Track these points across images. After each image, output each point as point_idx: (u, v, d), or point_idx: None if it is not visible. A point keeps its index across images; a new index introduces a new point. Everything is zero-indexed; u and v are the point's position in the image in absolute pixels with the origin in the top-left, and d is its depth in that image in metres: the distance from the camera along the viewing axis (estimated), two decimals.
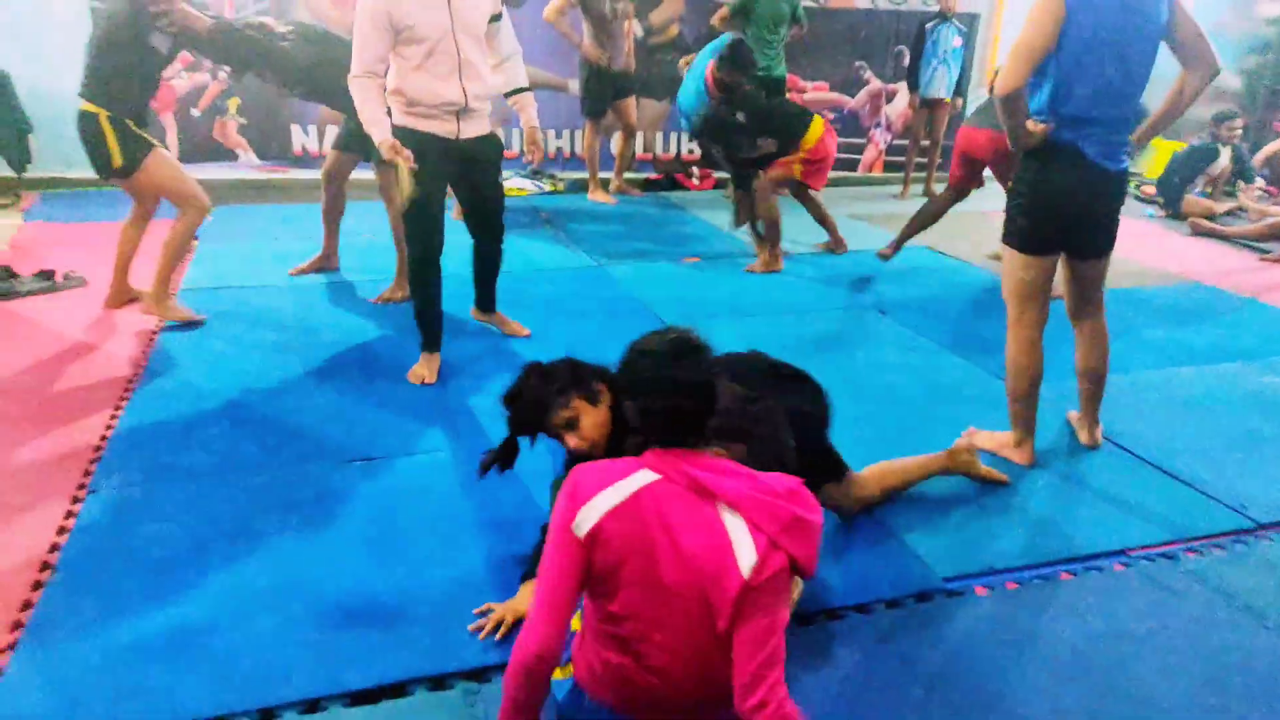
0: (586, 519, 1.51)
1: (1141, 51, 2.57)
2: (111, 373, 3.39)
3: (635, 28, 6.46)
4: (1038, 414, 2.97)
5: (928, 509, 2.67)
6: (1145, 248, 5.90)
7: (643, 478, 1.54)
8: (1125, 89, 2.58)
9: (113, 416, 3.04)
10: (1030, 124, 2.63)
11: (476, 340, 3.82)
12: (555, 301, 4.42)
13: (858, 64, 7.69)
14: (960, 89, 6.93)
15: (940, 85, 6.78)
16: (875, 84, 7.74)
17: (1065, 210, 2.70)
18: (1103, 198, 2.72)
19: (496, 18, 3.29)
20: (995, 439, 3.04)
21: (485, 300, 3.89)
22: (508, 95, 3.51)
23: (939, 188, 7.27)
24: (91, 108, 3.64)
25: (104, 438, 2.90)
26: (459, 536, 2.45)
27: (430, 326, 3.45)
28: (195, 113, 6.51)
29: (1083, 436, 3.14)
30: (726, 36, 5.10)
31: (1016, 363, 2.90)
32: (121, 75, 3.65)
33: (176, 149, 6.46)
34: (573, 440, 2.04)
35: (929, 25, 6.69)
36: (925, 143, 7.14)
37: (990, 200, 7.25)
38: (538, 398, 2.08)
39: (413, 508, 2.59)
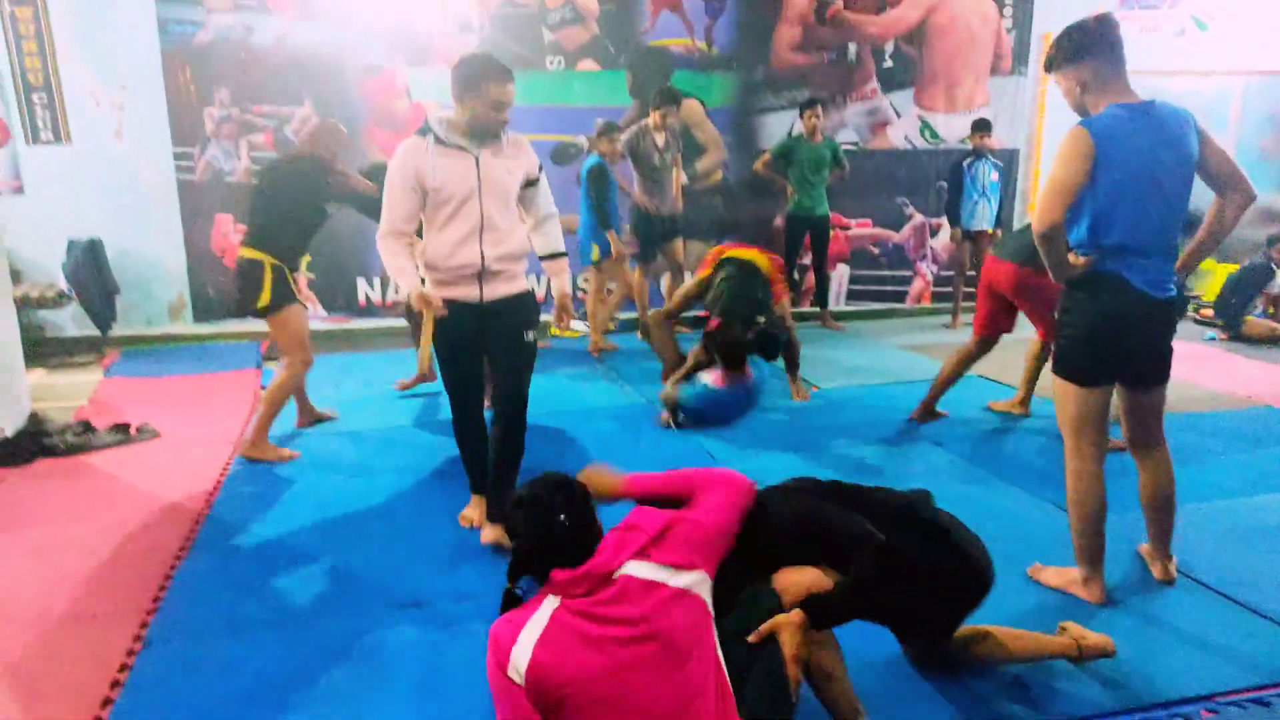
0: (519, 660, 1.63)
1: (1178, 182, 2.60)
2: (176, 523, 3.48)
3: (681, 175, 6.76)
4: (1107, 547, 2.85)
5: None
6: (1210, 371, 5.76)
7: (550, 604, 1.73)
8: (1165, 219, 2.61)
9: (172, 568, 3.10)
10: (1071, 257, 2.65)
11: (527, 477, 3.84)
12: (607, 439, 4.46)
13: (900, 200, 7.86)
14: (1000, 220, 7.04)
15: (982, 218, 6.91)
16: (919, 218, 7.90)
17: (1116, 340, 2.66)
18: (1153, 326, 2.69)
19: (533, 182, 3.25)
20: (1063, 576, 2.91)
21: (497, 498, 3.25)
22: (542, 258, 3.40)
23: None
24: (258, 255, 4.06)
25: (162, 588, 2.95)
26: None
27: (476, 471, 3.45)
28: None
29: (1156, 571, 2.99)
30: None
31: (1078, 496, 2.81)
32: (291, 232, 4.16)
33: None
34: None
35: (965, 163, 6.88)
36: (971, 273, 7.20)
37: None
38: None
39: (463, 654, 2.55)
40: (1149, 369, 2.76)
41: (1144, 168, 2.54)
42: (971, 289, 7.25)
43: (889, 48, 7.56)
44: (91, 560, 3.17)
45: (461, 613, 2.80)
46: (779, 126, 7.43)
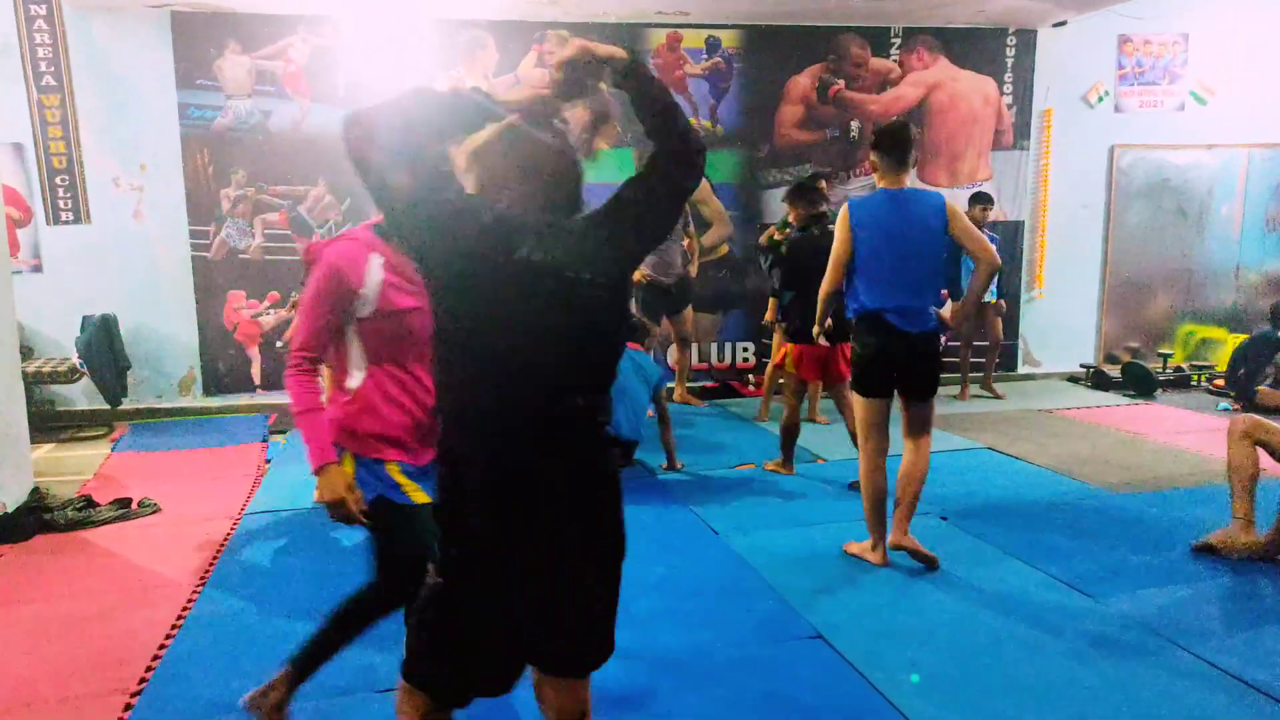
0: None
1: (920, 250, 3.43)
2: (169, 601, 3.44)
3: (694, 244, 6.81)
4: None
5: None
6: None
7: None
8: (912, 278, 3.44)
9: (161, 647, 3.06)
10: (816, 327, 3.96)
11: None
12: None
13: None
14: (1003, 291, 7.09)
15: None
16: None
17: (887, 363, 3.52)
18: (910, 352, 3.49)
19: None
20: (860, 546, 3.76)
21: None
22: None
23: (999, 385, 7.28)
24: None
25: (149, 669, 2.90)
26: None
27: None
28: (279, 344, 6.97)
29: (891, 539, 3.63)
30: None
31: (866, 482, 3.64)
32: None
33: (260, 379, 6.90)
34: None
35: None
36: (981, 343, 7.24)
37: (1054, 398, 7.15)
38: None
39: None
40: (917, 384, 3.57)
41: (889, 241, 3.41)
42: (979, 359, 7.27)
43: None
44: (81, 640, 3.14)
45: None
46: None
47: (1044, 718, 2.58)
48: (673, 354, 7.13)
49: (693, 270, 6.66)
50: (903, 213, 3.43)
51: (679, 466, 5.15)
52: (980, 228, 6.74)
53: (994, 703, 2.66)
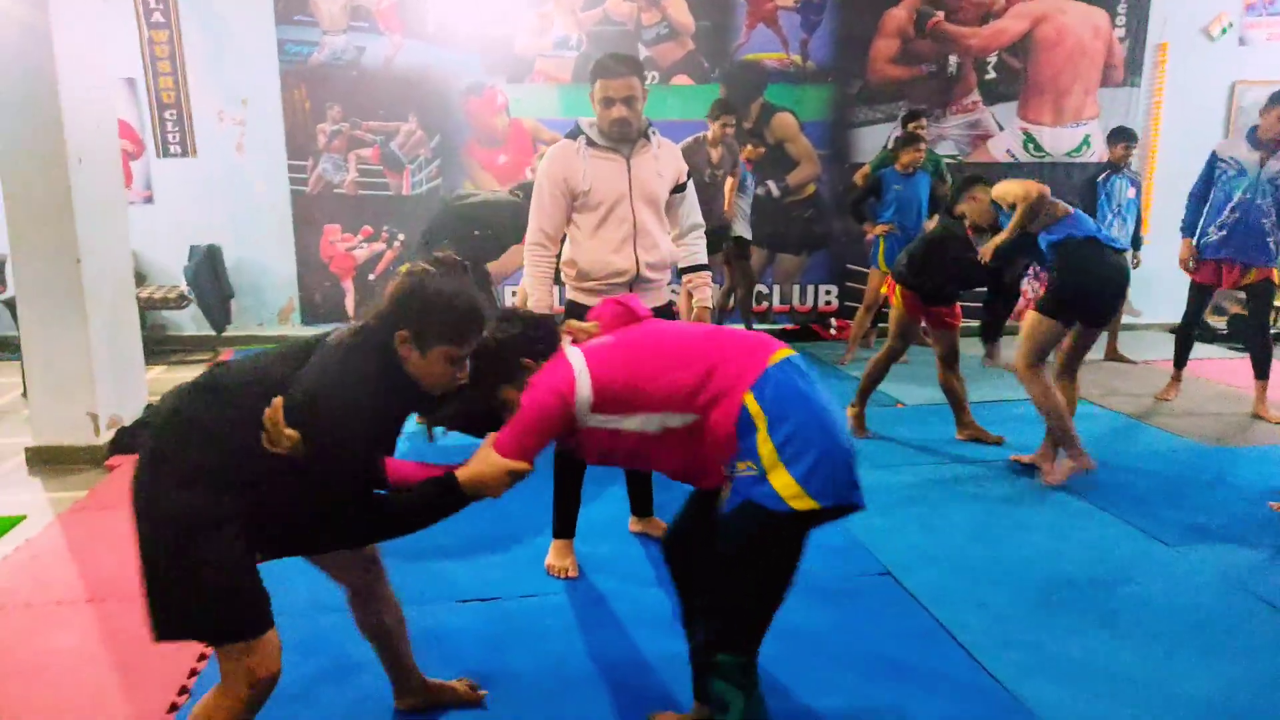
0: (583, 391, 1.85)
1: None
2: None
3: (772, 188, 6.61)
4: None
5: None
6: None
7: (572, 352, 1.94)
8: None
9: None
10: None
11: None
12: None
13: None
14: (1137, 241, 6.30)
15: (1118, 240, 5.91)
16: None
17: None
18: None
19: (681, 188, 3.11)
20: (1061, 467, 3.94)
21: (645, 503, 3.42)
22: (684, 270, 3.23)
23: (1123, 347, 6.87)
24: None
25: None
26: (574, 680, 2.45)
27: (570, 513, 3.13)
28: (372, 278, 7.20)
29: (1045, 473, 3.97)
30: None
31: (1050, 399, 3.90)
32: None
33: (353, 310, 7.16)
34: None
35: (1101, 178, 6.21)
36: None
37: (1154, 348, 6.83)
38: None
39: (526, 650, 2.61)
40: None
41: None
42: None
43: (992, 59, 7.37)
44: (125, 624, 2.97)
45: (525, 608, 2.85)
46: (875, 140, 7.32)
47: (1109, 657, 2.57)
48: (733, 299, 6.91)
49: (726, 207, 6.21)
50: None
51: None
52: (1123, 167, 6.15)
53: (1059, 642, 2.65)
